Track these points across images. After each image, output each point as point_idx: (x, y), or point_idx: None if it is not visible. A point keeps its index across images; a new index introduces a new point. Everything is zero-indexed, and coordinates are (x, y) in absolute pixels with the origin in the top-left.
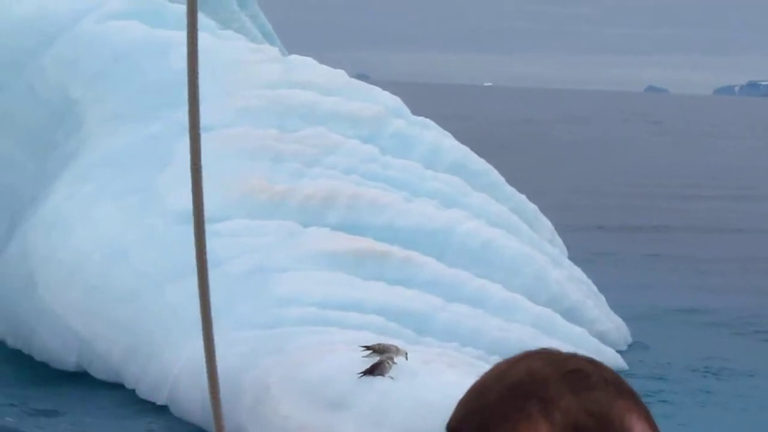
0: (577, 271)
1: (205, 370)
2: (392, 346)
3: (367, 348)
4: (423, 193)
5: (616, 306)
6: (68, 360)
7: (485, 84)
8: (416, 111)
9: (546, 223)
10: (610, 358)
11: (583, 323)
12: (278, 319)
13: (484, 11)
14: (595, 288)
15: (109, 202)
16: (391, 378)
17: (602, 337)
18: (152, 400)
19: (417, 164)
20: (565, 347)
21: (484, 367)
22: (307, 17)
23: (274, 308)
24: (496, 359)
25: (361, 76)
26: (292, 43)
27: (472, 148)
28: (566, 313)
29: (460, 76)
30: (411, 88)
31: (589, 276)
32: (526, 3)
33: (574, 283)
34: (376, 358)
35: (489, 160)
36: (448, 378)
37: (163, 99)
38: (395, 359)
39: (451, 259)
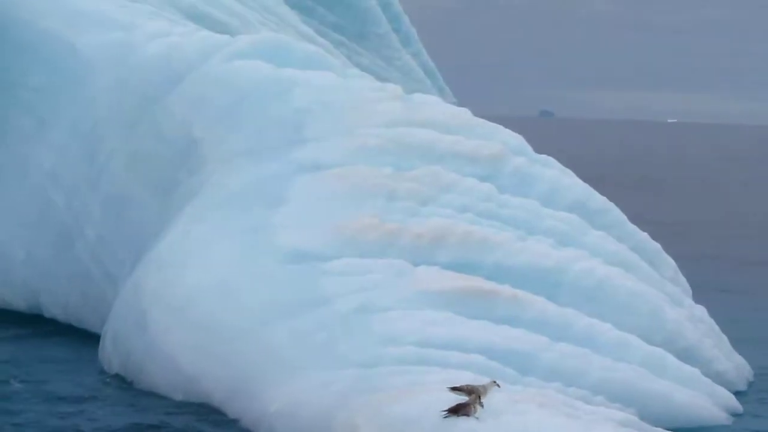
0: (699, 310)
1: (298, 410)
2: (481, 386)
3: (455, 389)
4: (539, 231)
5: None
6: (174, 398)
7: (669, 120)
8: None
9: (669, 262)
10: (723, 398)
11: (699, 363)
12: (376, 358)
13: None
14: (717, 327)
15: (223, 241)
16: (476, 418)
17: (720, 377)
18: None
19: (535, 202)
20: (675, 388)
21: (580, 408)
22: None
23: (374, 347)
24: (600, 399)
25: (546, 113)
26: (467, 80)
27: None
28: (682, 352)
29: (644, 112)
30: (593, 124)
31: (722, 313)
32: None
33: (693, 323)
34: (464, 398)
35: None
36: (533, 417)
37: (282, 137)
38: (482, 399)
39: (564, 298)
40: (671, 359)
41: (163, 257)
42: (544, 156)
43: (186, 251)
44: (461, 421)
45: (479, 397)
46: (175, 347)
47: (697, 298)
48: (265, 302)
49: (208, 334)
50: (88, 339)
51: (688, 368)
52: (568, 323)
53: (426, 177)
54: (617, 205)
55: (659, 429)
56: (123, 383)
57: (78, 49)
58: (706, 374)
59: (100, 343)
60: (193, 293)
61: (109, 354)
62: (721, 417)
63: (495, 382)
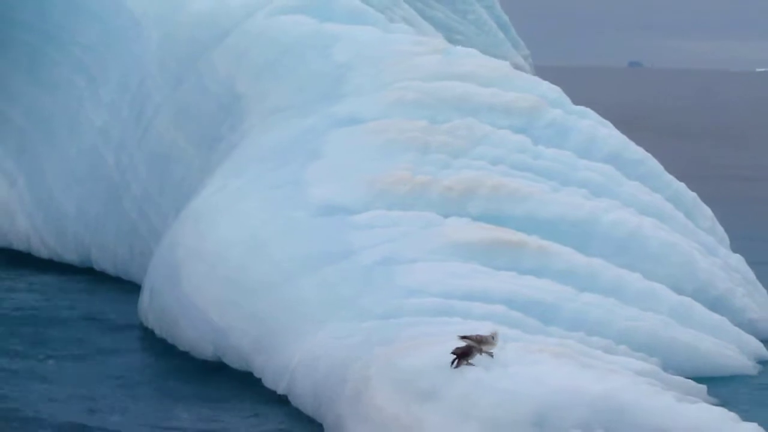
0: (735, 259)
1: (317, 363)
2: (489, 336)
3: (465, 338)
4: (573, 182)
5: None
6: (205, 351)
7: (758, 70)
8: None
9: (705, 212)
10: (752, 347)
11: (730, 312)
12: (397, 310)
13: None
14: (753, 276)
15: (256, 195)
16: (472, 365)
17: (752, 326)
18: (274, 389)
19: (569, 154)
20: (701, 337)
21: (599, 358)
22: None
23: (396, 299)
24: (623, 349)
25: (634, 64)
26: (545, 32)
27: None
28: (713, 302)
29: (733, 62)
30: (681, 74)
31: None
32: None
33: (726, 272)
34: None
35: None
36: (543, 368)
37: (322, 92)
38: (488, 349)
39: (594, 249)
40: (699, 308)
41: (198, 211)
42: (581, 107)
43: (220, 205)
44: (469, 372)
45: (482, 346)
46: (206, 301)
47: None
48: (292, 256)
49: (237, 287)
50: (136, 292)
51: (716, 317)
52: (595, 274)
53: (459, 129)
54: (691, 153)
55: (681, 378)
56: (156, 338)
57: (126, 7)
58: (738, 323)
59: (140, 297)
60: (224, 247)
61: (146, 308)
62: (748, 366)
63: (494, 333)
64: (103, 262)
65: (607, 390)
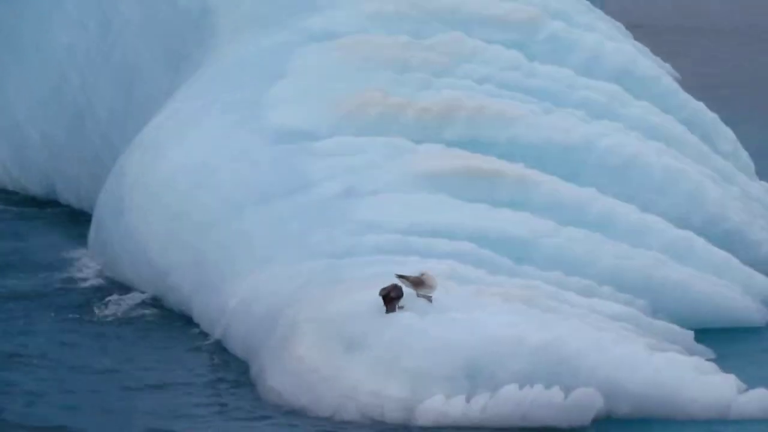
0: (759, 188)
1: (252, 307)
2: (427, 278)
3: (402, 278)
4: (569, 103)
5: None
6: (147, 292)
7: None
8: None
9: (727, 134)
10: (760, 286)
11: (744, 248)
12: (350, 248)
13: None
14: None
15: (210, 119)
16: (401, 307)
17: None
18: (211, 334)
19: (569, 72)
20: (699, 276)
21: (567, 302)
22: None
23: (351, 236)
24: (608, 290)
25: None
26: None
27: None
28: (723, 236)
29: None
30: None
31: None
32: None
33: (744, 202)
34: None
35: None
36: (483, 314)
37: (295, 4)
38: (424, 292)
39: (587, 178)
40: (701, 244)
41: (148, 137)
42: (590, 18)
43: (172, 131)
44: (400, 318)
45: (418, 288)
46: (148, 237)
47: None
48: (241, 186)
49: (181, 222)
50: None
51: (721, 254)
52: (581, 206)
53: (445, 45)
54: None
55: (665, 323)
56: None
57: None
58: (753, 260)
59: (89, 233)
60: (170, 177)
61: (92, 244)
62: (753, 311)
63: (422, 274)
64: (67, 194)
65: (550, 339)
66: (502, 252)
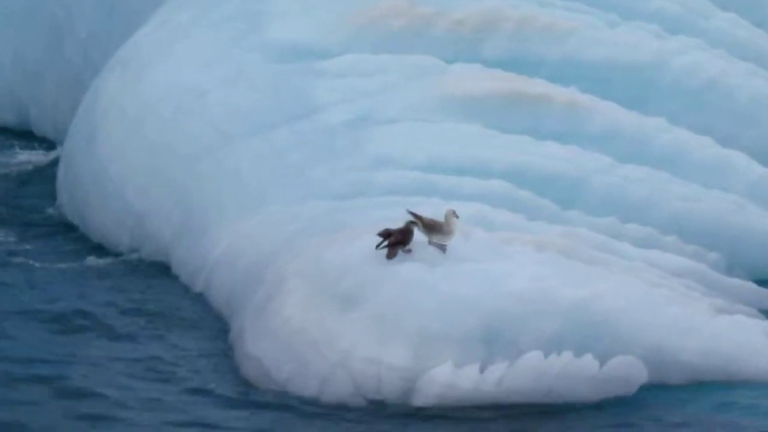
0: None
1: (238, 258)
2: (442, 221)
3: (415, 219)
4: (640, 16)
5: None
6: (121, 240)
7: None
8: None
9: None
10: None
11: None
12: (360, 186)
13: None
14: None
15: (201, 32)
16: (409, 251)
17: None
18: (191, 289)
19: None
20: None
21: (617, 253)
22: None
23: (360, 172)
24: (672, 240)
25: None
26: None
27: None
28: None
29: None
30: None
31: None
32: None
33: None
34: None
35: None
36: (508, 266)
37: None
38: (437, 240)
39: (656, 105)
40: None
41: (128, 55)
42: None
43: (155, 47)
44: (405, 270)
45: (432, 233)
46: (124, 173)
47: None
48: (234, 112)
49: (163, 154)
50: None
51: None
52: (646, 138)
53: None
54: None
55: (740, 281)
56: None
57: None
58: None
59: (58, 170)
60: (152, 101)
61: (61, 184)
62: None
63: (453, 211)
64: (42, 122)
65: (586, 296)
66: (544, 193)
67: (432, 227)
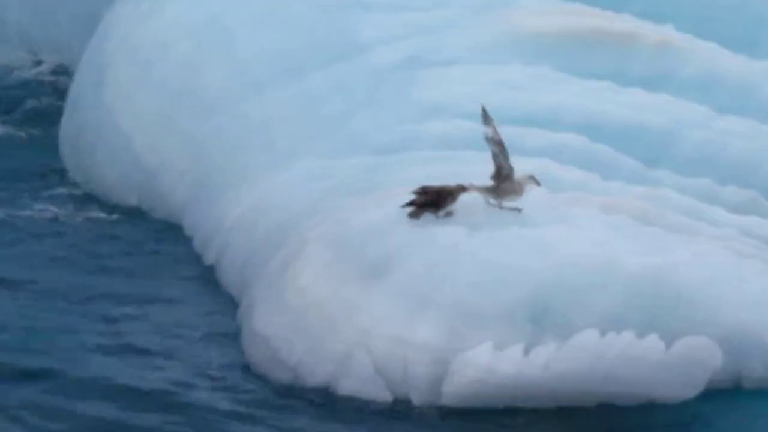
0: None
1: (262, 217)
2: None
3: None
4: None
5: None
6: (128, 199)
7: None
8: None
9: None
10: None
11: None
12: (407, 139)
13: None
14: None
15: None
16: (449, 214)
17: None
18: (203, 258)
19: None
20: None
21: (707, 220)
22: None
23: (408, 123)
24: None
25: None
26: None
27: None
28: None
29: None
30: None
31: None
32: None
33: None
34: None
35: None
36: (561, 231)
37: None
38: (504, 200)
39: (765, 48)
40: None
41: None
42: None
43: None
44: (446, 233)
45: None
46: (133, 123)
47: None
48: (263, 53)
49: (179, 102)
50: None
51: None
52: (753, 86)
53: None
54: None
55: None
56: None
57: None
58: None
59: (61, 119)
60: (168, 39)
61: (64, 135)
62: None
63: (533, 177)
64: (52, 54)
65: (656, 264)
66: (626, 149)
67: (494, 189)
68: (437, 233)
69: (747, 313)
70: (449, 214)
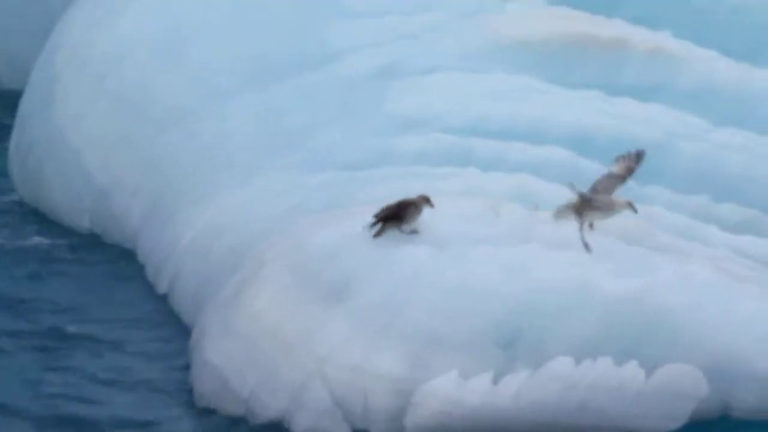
0: None
1: (217, 239)
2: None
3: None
4: None
5: None
6: (80, 222)
7: None
8: None
9: None
10: None
11: None
12: (379, 153)
13: None
14: None
15: None
16: (415, 232)
17: None
18: (157, 280)
19: None
20: None
21: (699, 239)
22: None
23: (380, 136)
24: None
25: None
26: None
27: None
28: None
29: None
30: None
31: None
32: None
33: None
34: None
35: None
36: (534, 251)
37: None
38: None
39: None
40: None
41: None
42: None
43: None
44: (412, 252)
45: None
46: (85, 140)
47: None
48: (224, 62)
49: (133, 117)
50: None
51: None
52: (754, 97)
53: None
54: None
55: None
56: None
57: None
58: None
59: (11, 136)
60: (122, 50)
61: (14, 153)
62: None
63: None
64: (8, 77)
65: (636, 289)
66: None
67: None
68: (401, 253)
69: (736, 339)
70: (414, 232)
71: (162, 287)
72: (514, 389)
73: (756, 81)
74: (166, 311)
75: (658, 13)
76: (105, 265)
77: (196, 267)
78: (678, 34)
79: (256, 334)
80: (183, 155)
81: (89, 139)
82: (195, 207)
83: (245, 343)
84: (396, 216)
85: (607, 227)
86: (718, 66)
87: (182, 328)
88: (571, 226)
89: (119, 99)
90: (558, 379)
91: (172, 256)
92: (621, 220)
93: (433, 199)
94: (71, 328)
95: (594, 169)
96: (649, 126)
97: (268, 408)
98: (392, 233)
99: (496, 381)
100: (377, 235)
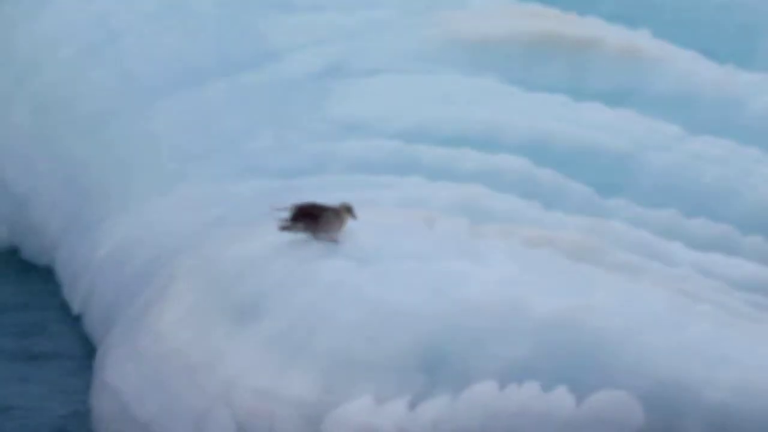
0: None
1: (132, 253)
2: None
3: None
4: None
5: None
6: None
7: None
8: None
9: None
10: None
11: None
12: (317, 160)
13: None
14: None
15: None
16: (335, 241)
17: None
18: (71, 298)
19: None
20: None
21: (653, 250)
22: None
23: (318, 141)
24: (755, 242)
25: None
26: None
27: None
28: None
29: None
30: None
31: None
32: None
33: None
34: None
35: None
36: (464, 267)
37: None
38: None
39: (762, 59)
40: None
41: None
42: None
43: None
44: (329, 266)
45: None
46: (1, 141)
47: None
48: (155, 60)
49: (55, 116)
50: None
51: None
52: (737, 102)
53: None
54: None
55: None
56: None
57: None
58: None
59: None
60: (47, 42)
61: None
62: None
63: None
64: None
65: (569, 309)
66: (577, 174)
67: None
68: (318, 268)
69: (682, 364)
70: (333, 241)
71: (76, 307)
72: (433, 415)
73: (740, 84)
74: (78, 327)
75: (637, 11)
76: (21, 280)
77: (109, 285)
78: (658, 33)
79: (160, 356)
80: (109, 160)
81: (8, 142)
82: (114, 218)
83: (148, 366)
84: (310, 215)
85: (553, 241)
86: (698, 68)
87: (92, 349)
88: (508, 240)
89: (43, 97)
90: (479, 404)
91: (87, 272)
92: (571, 235)
93: (357, 209)
94: None
95: (551, 179)
96: (616, 134)
97: None
98: (313, 245)
99: (413, 406)
100: (284, 229)
